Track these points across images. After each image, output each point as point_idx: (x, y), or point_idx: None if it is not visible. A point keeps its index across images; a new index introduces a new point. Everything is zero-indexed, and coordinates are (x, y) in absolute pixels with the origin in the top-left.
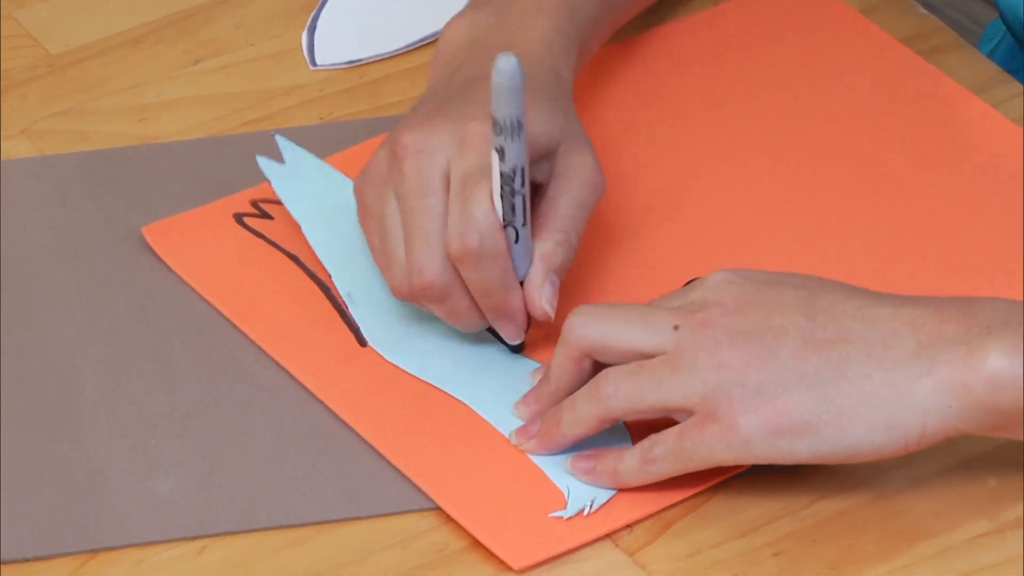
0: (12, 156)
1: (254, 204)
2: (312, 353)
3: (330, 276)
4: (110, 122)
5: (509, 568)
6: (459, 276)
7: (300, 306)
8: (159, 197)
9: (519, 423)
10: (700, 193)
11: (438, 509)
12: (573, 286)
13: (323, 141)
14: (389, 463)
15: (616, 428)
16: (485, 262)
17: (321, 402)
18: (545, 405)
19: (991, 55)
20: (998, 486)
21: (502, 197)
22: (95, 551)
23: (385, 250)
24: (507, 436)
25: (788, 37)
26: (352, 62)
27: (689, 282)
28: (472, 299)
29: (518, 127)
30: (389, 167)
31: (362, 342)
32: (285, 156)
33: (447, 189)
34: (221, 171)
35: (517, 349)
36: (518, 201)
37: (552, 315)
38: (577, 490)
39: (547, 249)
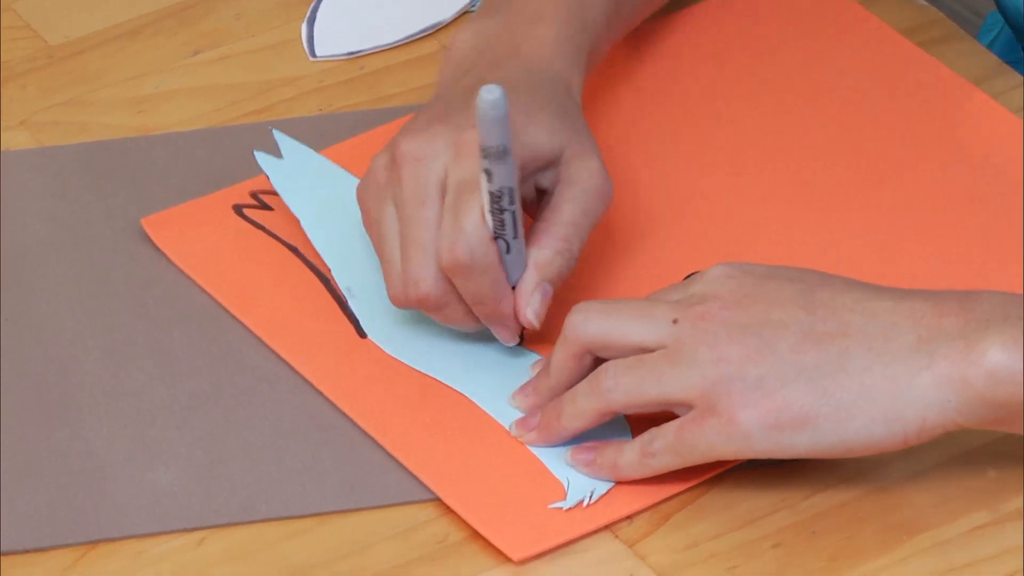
0: (11, 147)
1: (253, 195)
2: (312, 344)
3: (330, 269)
4: (109, 113)
5: (509, 559)
6: (454, 286)
7: (300, 297)
8: (158, 188)
9: (518, 415)
10: (700, 187)
11: (438, 500)
12: (576, 283)
13: (322, 132)
14: (389, 454)
15: (616, 421)
16: (476, 274)
17: (321, 393)
18: (544, 399)
19: (990, 46)
20: (997, 478)
21: (492, 213)
22: (94, 542)
23: (383, 258)
24: (507, 428)
25: (788, 29)
26: (351, 53)
27: (689, 276)
28: (468, 306)
29: (504, 153)
30: (388, 174)
31: (362, 334)
32: (283, 151)
33: (444, 198)
34: (221, 162)
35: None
36: (507, 217)
37: (537, 325)
38: (576, 481)
39: (544, 257)
